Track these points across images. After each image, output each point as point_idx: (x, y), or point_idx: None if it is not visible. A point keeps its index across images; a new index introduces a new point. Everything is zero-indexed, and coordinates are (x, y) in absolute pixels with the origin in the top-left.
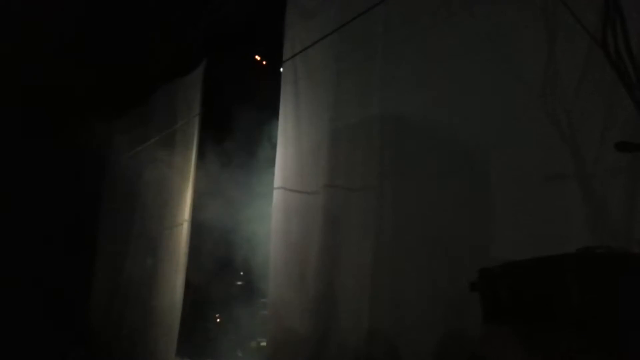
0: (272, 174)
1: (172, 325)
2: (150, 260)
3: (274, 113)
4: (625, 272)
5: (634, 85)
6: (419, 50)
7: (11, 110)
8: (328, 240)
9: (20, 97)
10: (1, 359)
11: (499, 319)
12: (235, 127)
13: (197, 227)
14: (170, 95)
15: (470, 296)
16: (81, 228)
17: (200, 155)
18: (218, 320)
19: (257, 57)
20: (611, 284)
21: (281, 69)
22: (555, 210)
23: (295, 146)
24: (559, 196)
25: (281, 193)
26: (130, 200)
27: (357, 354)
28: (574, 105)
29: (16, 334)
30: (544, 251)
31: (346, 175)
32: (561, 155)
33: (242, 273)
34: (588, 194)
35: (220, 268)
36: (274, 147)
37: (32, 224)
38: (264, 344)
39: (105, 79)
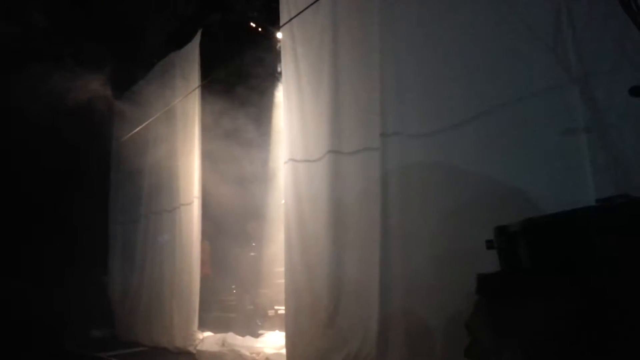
0: (275, 140)
1: (191, 299)
2: (165, 237)
3: (274, 80)
4: None
5: None
6: (418, 5)
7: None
8: (336, 208)
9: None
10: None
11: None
12: (236, 97)
13: (208, 202)
14: (167, 69)
15: (484, 257)
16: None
17: (204, 129)
18: (234, 291)
19: (253, 25)
20: (635, 234)
21: (279, 35)
22: (572, 163)
23: (300, 115)
24: (575, 148)
25: (290, 166)
26: (138, 180)
27: (370, 313)
28: (584, 47)
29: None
30: (562, 205)
31: (349, 139)
32: (574, 104)
33: (254, 244)
34: (603, 143)
35: (233, 240)
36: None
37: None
38: (281, 311)
39: (101, 55)
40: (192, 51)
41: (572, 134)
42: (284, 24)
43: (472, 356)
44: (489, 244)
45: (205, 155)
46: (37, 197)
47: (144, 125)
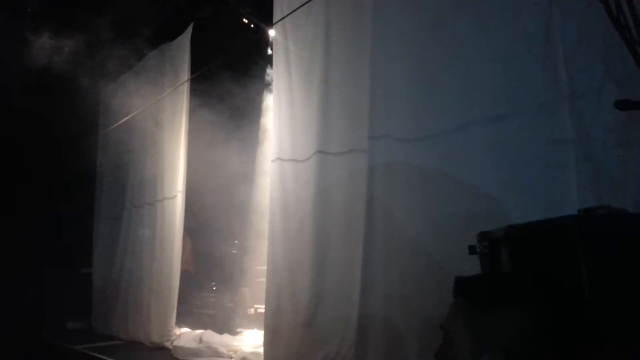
0: (263, 139)
1: (170, 294)
2: (147, 231)
3: (263, 78)
4: (627, 231)
5: (634, 41)
6: (410, 11)
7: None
8: (321, 208)
9: None
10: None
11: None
12: (225, 93)
13: (191, 197)
14: (157, 61)
15: (466, 263)
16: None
17: (191, 122)
18: (214, 288)
19: (245, 21)
20: (615, 243)
21: (271, 33)
22: (557, 175)
23: (289, 114)
24: (559, 160)
25: (277, 165)
26: (123, 172)
27: (350, 314)
28: (573, 63)
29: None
30: (547, 214)
31: (337, 140)
32: (561, 117)
33: (236, 241)
34: (588, 157)
35: (215, 237)
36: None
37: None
38: (261, 310)
39: (91, 45)
40: (183, 44)
41: (558, 146)
42: (277, 22)
43: (444, 357)
44: (472, 250)
45: (191, 150)
46: (19, 185)
47: (130, 116)
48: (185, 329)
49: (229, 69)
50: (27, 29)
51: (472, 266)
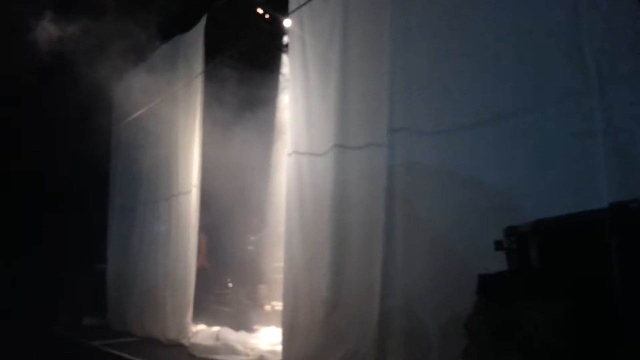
0: (278, 131)
1: (186, 290)
2: (162, 226)
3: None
4: None
5: None
6: (432, 1)
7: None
8: (339, 203)
9: None
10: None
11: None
12: (241, 85)
13: (206, 192)
14: (171, 53)
15: (488, 259)
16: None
17: (205, 116)
18: (230, 285)
19: (260, 11)
20: None
21: (287, 24)
22: (586, 167)
23: (306, 107)
24: (588, 152)
25: (294, 158)
26: (137, 166)
27: (370, 311)
28: (601, 51)
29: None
30: (573, 208)
31: (355, 133)
32: (590, 108)
33: (252, 237)
34: (616, 148)
35: (231, 233)
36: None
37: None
38: (278, 307)
39: (104, 37)
40: (197, 36)
41: (587, 138)
42: (293, 11)
43: (470, 357)
44: (498, 245)
45: (206, 144)
46: (34, 181)
47: (144, 109)
48: (201, 326)
49: (244, 61)
50: (42, 21)
51: (495, 262)
